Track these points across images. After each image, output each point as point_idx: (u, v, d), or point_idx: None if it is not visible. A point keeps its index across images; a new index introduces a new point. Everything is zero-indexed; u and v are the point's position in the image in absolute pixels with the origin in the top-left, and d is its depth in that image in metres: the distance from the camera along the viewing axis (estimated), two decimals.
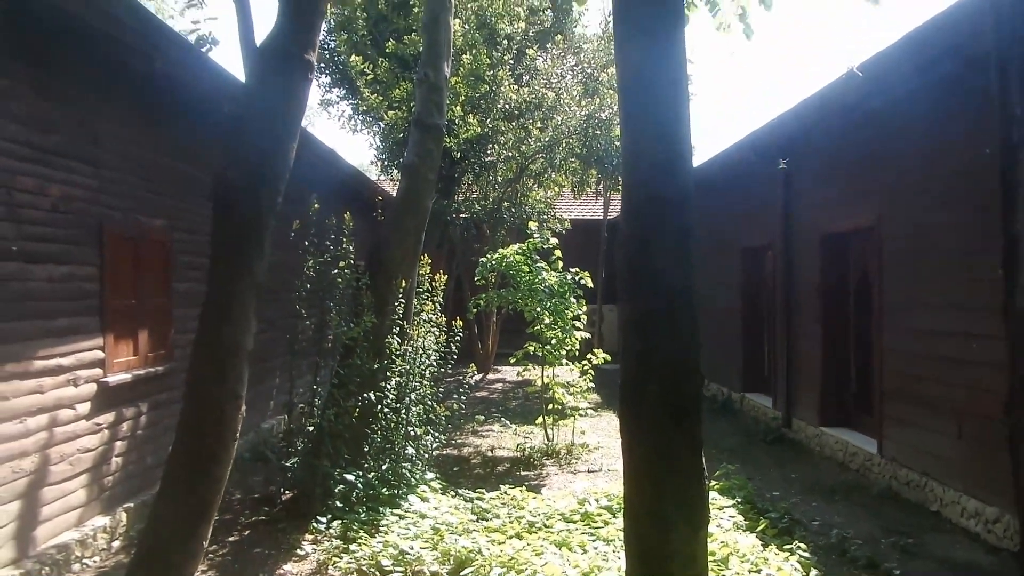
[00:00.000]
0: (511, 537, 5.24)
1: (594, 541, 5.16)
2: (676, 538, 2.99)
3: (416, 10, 11.75)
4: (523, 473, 7.65)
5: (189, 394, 3.87)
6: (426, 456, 6.57)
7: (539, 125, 12.97)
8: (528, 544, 5.06)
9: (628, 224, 3.18)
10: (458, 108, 11.77)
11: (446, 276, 7.69)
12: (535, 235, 8.89)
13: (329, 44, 14.47)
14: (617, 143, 11.40)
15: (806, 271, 8.89)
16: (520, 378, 10.39)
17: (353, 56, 12.55)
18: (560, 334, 8.34)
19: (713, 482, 6.30)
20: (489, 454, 8.43)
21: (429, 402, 6.70)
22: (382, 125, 12.93)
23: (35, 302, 4.48)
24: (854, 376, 8.20)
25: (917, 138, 6.53)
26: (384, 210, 6.99)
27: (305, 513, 5.66)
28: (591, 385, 8.89)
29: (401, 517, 5.62)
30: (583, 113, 12.62)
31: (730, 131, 52.75)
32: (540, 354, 8.49)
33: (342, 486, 5.74)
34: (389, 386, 6.16)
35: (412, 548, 4.95)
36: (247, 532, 5.57)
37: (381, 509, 5.69)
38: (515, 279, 8.60)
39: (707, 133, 39.39)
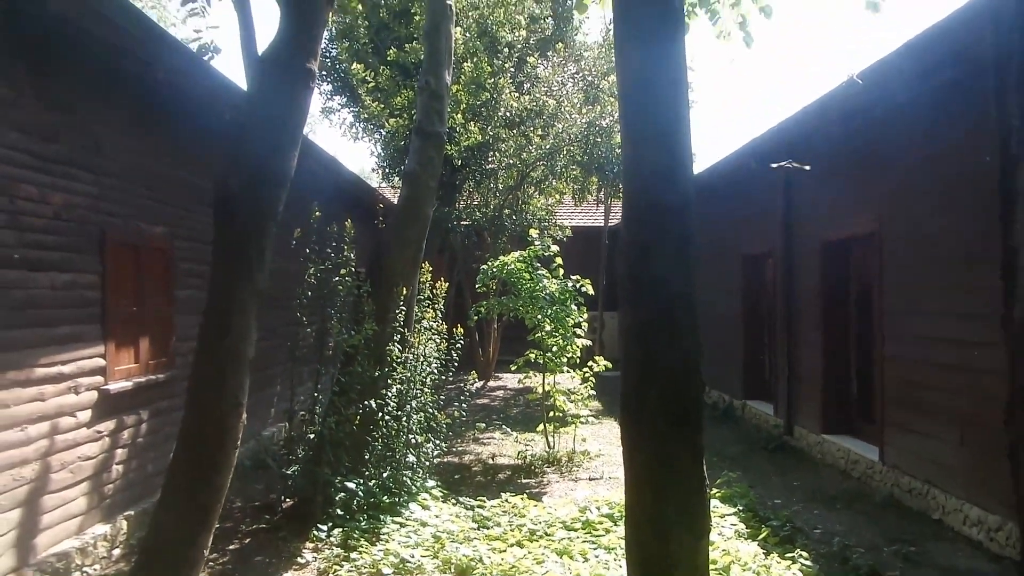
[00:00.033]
0: (512, 545, 5.23)
1: (595, 549, 5.15)
2: (677, 546, 2.98)
3: (417, 18, 11.79)
4: (524, 481, 7.64)
5: (190, 402, 3.87)
6: (427, 464, 6.56)
7: (540, 132, 13.00)
8: (529, 552, 5.05)
9: (629, 231, 3.19)
10: (459, 116, 11.80)
11: (447, 283, 7.69)
12: (536, 242, 8.90)
13: (331, 52, 14.51)
14: (618, 150, 11.41)
15: (807, 278, 8.89)
16: (521, 385, 10.40)
17: (355, 64, 12.59)
18: (561, 341, 8.34)
19: (715, 490, 6.29)
20: (490, 462, 8.42)
21: (430, 409, 6.69)
22: (383, 133, 12.95)
23: (37, 310, 4.48)
24: (855, 383, 8.19)
25: (917, 145, 6.54)
26: (385, 217, 7.00)
27: (306, 521, 5.65)
28: (592, 392, 8.88)
29: (402, 525, 5.61)
30: (584, 120, 12.65)
31: (731, 138, 52.86)
32: (541, 361, 8.49)
33: (343, 494, 5.73)
34: (390, 394, 6.16)
35: (413, 556, 4.94)
36: (248, 540, 5.56)
37: (382, 517, 5.69)
38: (516, 286, 8.60)
39: (708, 140, 39.52)
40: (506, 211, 13.65)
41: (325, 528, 5.50)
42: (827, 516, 6.33)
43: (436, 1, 7.20)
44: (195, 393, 3.87)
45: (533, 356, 8.52)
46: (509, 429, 9.62)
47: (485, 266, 8.94)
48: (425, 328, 6.88)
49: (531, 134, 12.86)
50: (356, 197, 11.67)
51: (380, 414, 6.02)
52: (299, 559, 5.15)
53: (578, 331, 8.51)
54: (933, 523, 6.06)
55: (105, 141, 5.18)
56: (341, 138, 40.27)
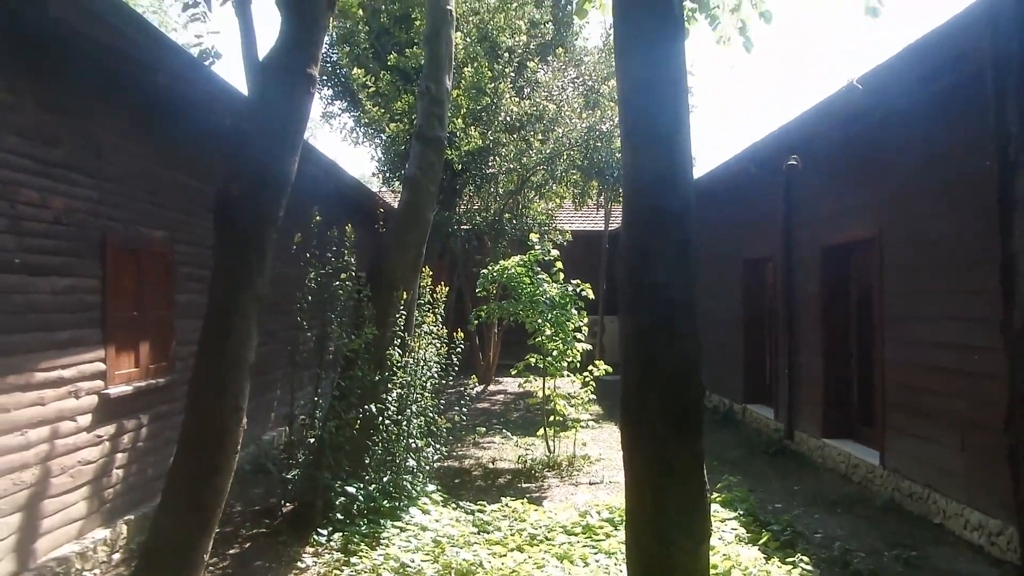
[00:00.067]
0: (512, 550, 5.22)
1: (596, 554, 5.15)
2: (678, 551, 2.98)
3: (418, 23, 11.82)
4: (524, 485, 7.63)
5: (190, 407, 3.87)
6: (427, 468, 6.56)
7: (540, 137, 13.02)
8: (529, 557, 5.05)
9: (629, 236, 3.19)
10: (459, 120, 11.82)
11: (447, 287, 7.70)
12: (536, 247, 8.91)
13: (331, 57, 14.55)
14: (618, 155, 11.42)
15: (807, 282, 8.89)
16: (521, 390, 10.39)
17: (355, 69, 12.62)
18: (561, 346, 8.34)
19: (715, 494, 6.29)
20: (490, 466, 8.41)
21: (430, 414, 6.69)
22: (384, 137, 12.97)
23: (38, 314, 4.49)
24: (856, 388, 8.18)
25: (918, 149, 6.54)
26: (385, 222, 7.01)
27: (306, 525, 5.65)
28: (592, 397, 8.88)
29: (402, 530, 5.60)
30: (584, 125, 12.67)
31: (731, 142, 52.94)
32: (541, 366, 8.49)
33: (343, 498, 5.73)
34: (390, 398, 6.16)
35: (413, 561, 4.94)
36: (248, 544, 5.56)
37: (382, 521, 5.68)
38: (516, 291, 8.61)
39: (708, 145, 39.55)
40: (506, 215, 13.66)
41: (325, 532, 5.50)
42: (828, 520, 6.32)
43: (436, 6, 7.22)
44: (195, 397, 3.88)
45: (533, 360, 8.52)
46: (509, 433, 9.62)
47: (485, 270, 8.95)
48: (425, 332, 6.88)
49: (531, 139, 12.88)
50: (356, 202, 11.68)
51: (380, 418, 6.02)
52: (299, 563, 5.15)
53: (578, 335, 8.52)
54: (934, 527, 6.05)
55: (106, 145, 5.19)
56: (342, 143, 40.37)
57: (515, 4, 12.57)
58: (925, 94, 6.17)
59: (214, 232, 4.00)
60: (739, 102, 55.17)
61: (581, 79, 13.92)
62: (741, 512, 6.00)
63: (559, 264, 8.86)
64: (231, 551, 5.41)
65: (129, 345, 5.54)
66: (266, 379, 7.91)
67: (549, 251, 8.93)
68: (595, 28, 37.42)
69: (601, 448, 9.19)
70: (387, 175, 14.09)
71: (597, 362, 8.82)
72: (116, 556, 5.22)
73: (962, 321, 5.82)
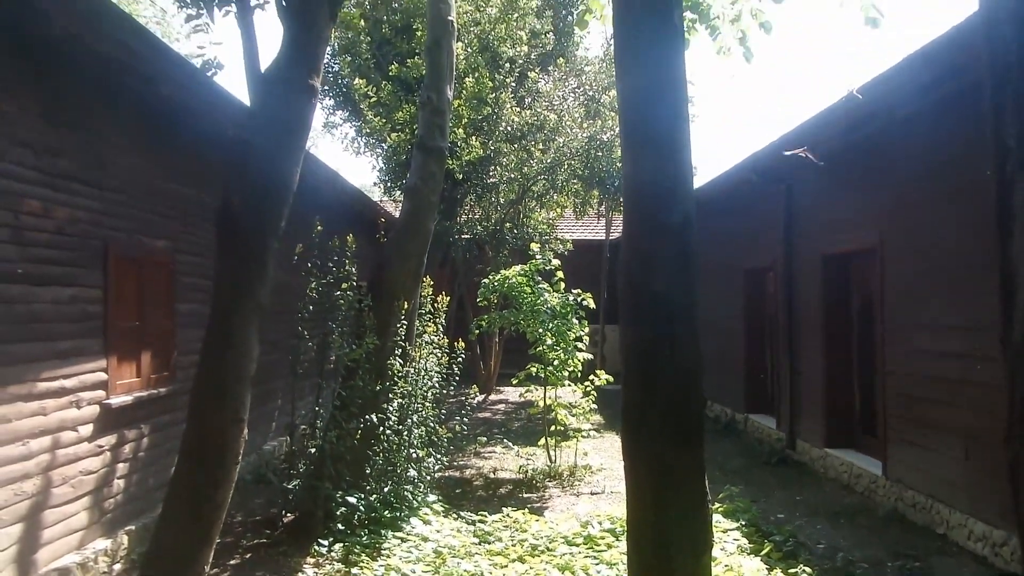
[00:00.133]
0: (513, 561, 5.21)
1: (597, 565, 5.13)
2: (679, 562, 2.97)
3: (419, 34, 11.87)
4: (526, 495, 7.61)
5: (191, 417, 3.88)
6: (428, 478, 6.55)
7: (541, 147, 13.05)
8: (531, 568, 5.03)
9: (630, 246, 3.20)
10: (461, 130, 11.85)
11: (448, 297, 7.71)
12: (537, 256, 8.92)
13: (333, 67, 14.59)
14: (619, 164, 11.45)
15: (808, 292, 8.89)
16: (522, 399, 10.39)
17: (357, 79, 12.66)
18: (562, 355, 8.34)
19: (717, 504, 6.28)
20: (491, 476, 8.39)
21: (431, 423, 6.69)
22: (385, 147, 13.00)
23: (40, 324, 4.49)
24: (858, 397, 8.17)
25: (918, 158, 6.55)
26: (387, 232, 7.02)
27: (307, 536, 5.63)
28: (594, 406, 8.87)
29: (403, 540, 5.59)
30: (585, 135, 12.71)
31: (732, 152, 53.04)
32: (542, 375, 8.48)
33: (344, 508, 5.72)
34: (391, 408, 6.16)
35: (414, 572, 4.93)
36: (248, 555, 5.54)
37: (383, 532, 5.67)
38: (517, 300, 8.61)
39: (709, 154, 39.64)
40: (507, 225, 13.68)
41: (326, 543, 5.49)
42: (830, 531, 6.30)
43: (437, 17, 7.26)
44: (197, 407, 3.88)
45: (534, 370, 8.51)
46: (510, 443, 9.60)
47: (486, 280, 8.95)
48: (426, 342, 6.88)
49: (532, 148, 12.91)
50: (358, 211, 11.70)
51: (381, 428, 6.01)
52: (300, 574, 5.13)
53: (579, 345, 8.52)
54: (937, 538, 6.03)
55: (109, 156, 5.21)
56: (343, 152, 40.53)
57: (516, 15, 12.62)
58: (926, 103, 6.19)
59: (216, 242, 4.01)
60: (739, 111, 55.33)
61: (582, 89, 13.97)
62: (743, 522, 5.98)
63: (560, 273, 8.87)
64: (232, 562, 5.40)
65: (130, 355, 5.55)
66: (267, 388, 7.91)
67: (550, 260, 8.94)
68: (596, 38, 37.62)
69: (602, 458, 9.17)
70: (388, 185, 14.12)
71: (598, 372, 8.81)
72: (117, 567, 5.20)
73: (964, 331, 5.81)
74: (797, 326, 9.25)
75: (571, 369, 8.42)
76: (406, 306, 6.45)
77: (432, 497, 6.51)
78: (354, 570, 5.07)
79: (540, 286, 8.63)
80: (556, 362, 8.35)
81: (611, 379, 8.73)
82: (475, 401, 13.42)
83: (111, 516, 5.28)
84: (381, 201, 16.39)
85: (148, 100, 5.41)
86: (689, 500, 3.01)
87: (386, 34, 13.37)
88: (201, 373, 3.89)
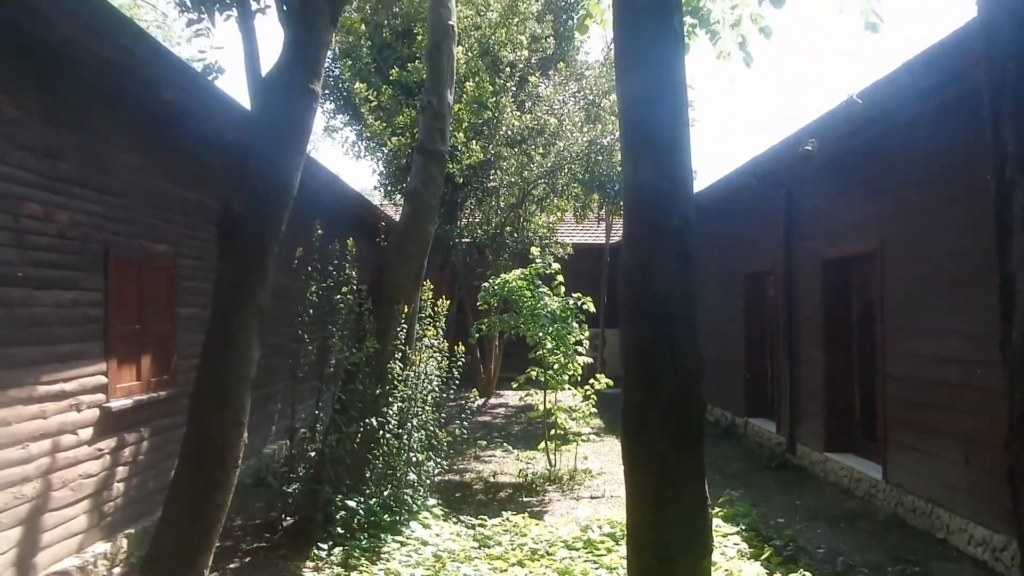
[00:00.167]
0: (513, 565, 5.20)
1: (597, 569, 5.12)
2: (679, 566, 2.97)
3: (420, 38, 11.89)
4: (525, 499, 7.61)
5: (191, 420, 3.88)
6: (428, 482, 6.55)
7: (541, 151, 13.06)
8: (530, 572, 5.03)
9: (629, 250, 3.20)
10: (461, 134, 11.87)
11: (448, 300, 7.71)
12: (537, 260, 8.92)
13: (334, 71, 14.62)
14: (619, 168, 11.46)
15: (808, 296, 8.89)
16: (522, 403, 10.37)
17: (357, 83, 12.69)
18: (562, 359, 8.34)
19: (717, 509, 6.27)
20: (491, 480, 8.39)
21: (431, 427, 6.68)
22: (386, 151, 13.02)
23: (40, 327, 4.49)
24: (858, 401, 8.17)
25: (918, 163, 6.56)
26: (387, 235, 7.03)
27: (306, 539, 5.63)
28: (593, 410, 8.87)
29: (403, 544, 5.59)
30: (585, 139, 12.72)
31: (732, 155, 53.06)
32: (542, 379, 8.48)
33: (343, 512, 5.71)
34: (391, 411, 6.15)
35: (414, 575, 4.92)
36: (248, 559, 5.54)
37: (383, 536, 5.67)
38: (517, 304, 8.61)
39: (709, 158, 39.68)
40: (507, 228, 13.70)
41: (325, 547, 5.48)
42: (830, 535, 6.30)
43: (438, 21, 7.27)
44: (197, 411, 3.88)
45: (534, 373, 8.52)
46: (510, 447, 9.59)
47: (487, 283, 8.96)
48: (426, 346, 6.88)
49: (532, 152, 12.93)
50: (358, 215, 11.71)
51: (381, 432, 6.01)
52: None
53: (579, 348, 8.52)
54: (938, 542, 6.02)
55: (109, 159, 5.22)
56: (343, 156, 40.56)
57: (516, 19, 12.65)
58: (926, 108, 6.20)
59: (216, 246, 4.02)
60: (740, 116, 55.39)
61: (582, 93, 14.00)
62: (743, 527, 5.98)
63: (560, 277, 8.88)
64: (231, 565, 5.39)
65: (131, 358, 5.55)
66: (267, 392, 7.91)
67: (550, 264, 8.95)
68: (596, 43, 37.64)
69: (602, 462, 9.16)
70: (389, 189, 14.14)
71: (598, 375, 8.81)
72: (116, 570, 5.20)
73: (964, 335, 5.82)
74: (797, 330, 9.25)
75: (571, 373, 8.42)
76: (406, 310, 6.46)
77: (432, 501, 6.50)
78: (353, 574, 5.06)
79: (540, 290, 8.63)
80: (556, 366, 8.35)
81: (611, 383, 8.73)
82: (475, 405, 13.42)
83: (111, 519, 5.28)
84: (381, 205, 16.40)
85: (149, 104, 5.42)
86: (689, 504, 3.01)
87: (387, 38, 13.40)
88: (201, 376, 3.90)
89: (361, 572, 5.07)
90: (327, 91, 14.85)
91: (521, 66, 12.92)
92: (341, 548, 5.45)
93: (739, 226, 11.38)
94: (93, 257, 5.02)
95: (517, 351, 12.62)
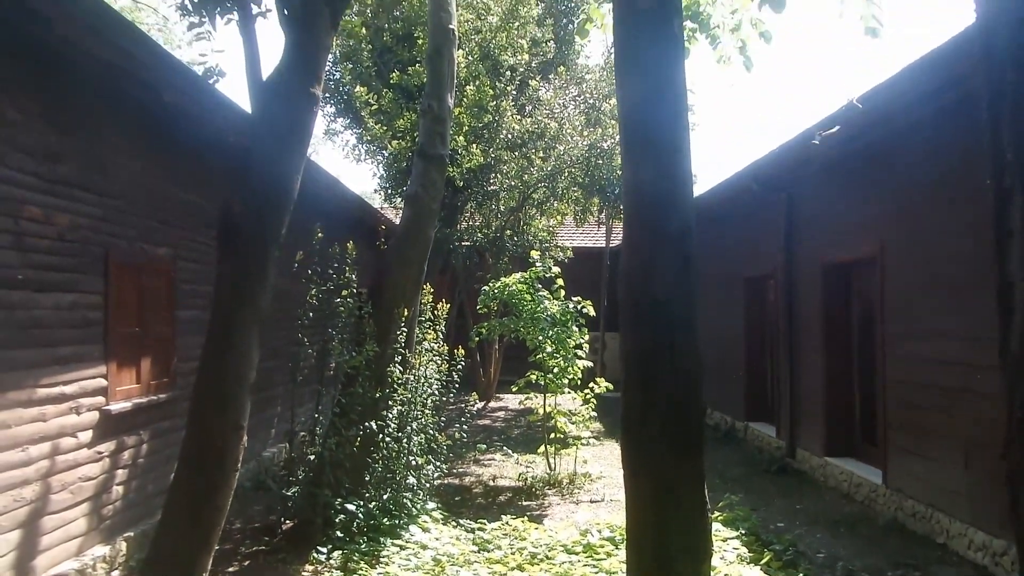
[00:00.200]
0: (513, 569, 5.20)
1: (597, 573, 5.12)
2: (679, 570, 2.97)
3: (420, 42, 11.91)
4: (525, 503, 7.60)
5: (191, 424, 3.88)
6: (427, 486, 6.54)
7: (542, 155, 13.08)
8: None
9: (629, 254, 3.21)
10: (461, 138, 11.88)
11: (448, 304, 7.71)
12: (537, 263, 8.93)
13: (334, 75, 14.63)
14: (619, 172, 11.45)
15: (808, 300, 8.89)
16: (522, 406, 10.37)
17: (358, 87, 12.70)
18: (562, 363, 8.34)
19: (716, 513, 6.26)
20: (491, 483, 8.38)
21: (431, 431, 6.68)
22: (386, 155, 13.03)
23: (40, 330, 4.49)
24: (858, 406, 8.16)
25: (919, 167, 6.57)
26: (387, 239, 7.03)
27: (305, 543, 5.62)
28: (593, 414, 8.86)
29: (402, 548, 5.58)
30: (585, 143, 12.74)
31: (732, 159, 53.11)
32: (542, 383, 8.47)
33: (343, 516, 5.71)
34: (391, 415, 6.15)
35: None
36: (247, 562, 5.53)
37: (382, 539, 5.66)
38: (517, 308, 8.61)
39: (709, 162, 39.67)
40: (508, 232, 13.70)
41: (325, 550, 5.47)
42: (830, 540, 6.29)
43: (439, 25, 7.28)
44: (196, 414, 3.88)
45: (534, 377, 8.51)
46: (510, 450, 9.58)
47: (487, 287, 8.96)
48: (426, 349, 6.88)
49: (533, 156, 12.94)
50: (358, 218, 11.72)
51: (381, 435, 6.01)
52: None
53: (579, 352, 8.52)
54: (938, 547, 6.01)
55: (110, 162, 5.22)
56: (344, 159, 40.59)
57: (517, 23, 12.66)
58: (925, 113, 6.20)
59: (217, 249, 4.02)
60: (740, 120, 55.44)
61: (582, 97, 14.01)
62: (743, 531, 5.97)
63: (560, 281, 8.88)
64: (230, 568, 5.39)
65: (130, 361, 5.55)
66: (267, 395, 7.90)
67: (550, 268, 8.95)
68: (596, 47, 37.72)
69: (602, 466, 9.16)
70: (389, 192, 14.14)
71: (598, 379, 8.81)
72: (115, 573, 5.19)
73: (964, 339, 5.81)
74: (797, 334, 9.25)
75: (571, 376, 8.42)
76: (406, 313, 6.46)
77: (431, 505, 6.50)
78: None
79: (540, 293, 8.63)
80: (556, 369, 8.35)
81: (611, 387, 8.73)
82: (475, 408, 13.41)
83: (110, 522, 5.27)
84: (382, 208, 16.41)
85: (150, 107, 5.43)
86: (689, 508, 3.01)
87: (387, 42, 13.42)
88: (201, 379, 3.90)
89: None
90: (328, 94, 14.86)
91: (521, 70, 12.94)
92: (340, 552, 5.45)
93: (739, 230, 11.39)
94: (93, 260, 5.02)
95: (517, 355, 12.62)
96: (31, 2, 3.92)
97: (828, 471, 8.18)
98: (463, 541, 5.86)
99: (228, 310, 3.89)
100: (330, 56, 10.24)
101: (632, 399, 3.11)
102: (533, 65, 13.50)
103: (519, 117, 12.93)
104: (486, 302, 8.94)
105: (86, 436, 4.97)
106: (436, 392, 6.79)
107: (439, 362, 6.93)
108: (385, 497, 6.02)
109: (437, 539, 5.84)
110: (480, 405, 14.23)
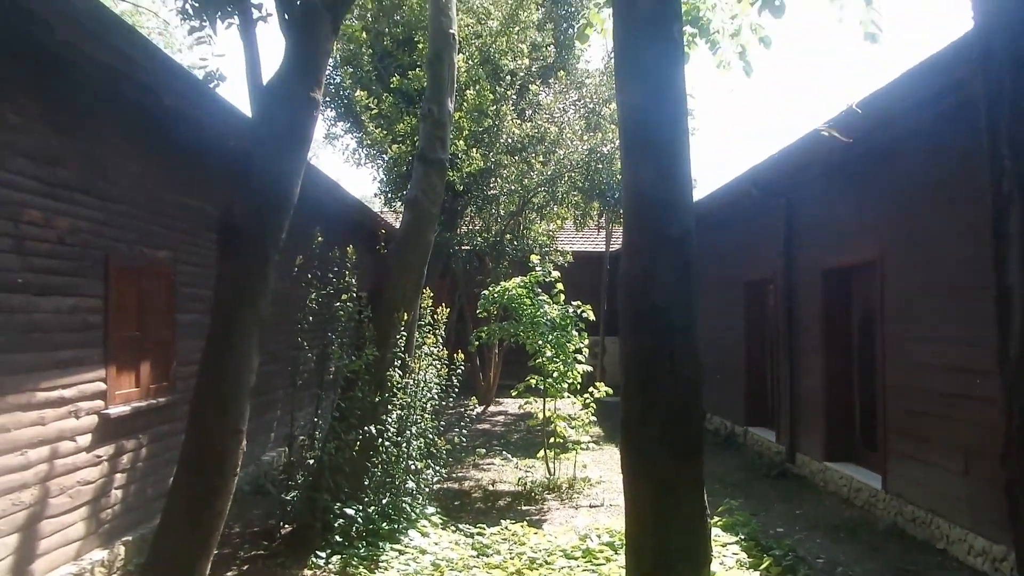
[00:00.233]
0: (512, 574, 5.19)
1: None
2: (678, 575, 2.96)
3: (421, 46, 11.93)
4: (524, 507, 7.59)
5: (191, 427, 3.87)
6: (427, 490, 6.53)
7: (541, 159, 13.09)
8: None
9: (629, 259, 3.21)
10: (461, 142, 11.90)
11: (448, 308, 7.71)
12: (537, 268, 8.93)
13: (335, 79, 14.65)
14: (619, 176, 11.46)
15: (808, 305, 8.89)
16: (522, 411, 10.35)
17: (358, 91, 12.71)
18: (562, 367, 8.33)
19: (716, 518, 6.25)
20: (490, 488, 8.37)
21: (430, 435, 6.67)
22: (386, 159, 13.04)
23: (40, 334, 4.49)
24: (858, 411, 8.16)
25: (919, 172, 6.57)
26: (387, 243, 7.03)
27: (305, 547, 5.61)
28: (593, 418, 8.85)
29: (401, 552, 5.57)
30: (585, 147, 12.75)
31: (732, 165, 53.16)
32: (542, 387, 8.47)
33: (342, 520, 5.70)
34: (390, 419, 6.15)
35: None
36: (246, 566, 5.52)
37: (381, 544, 5.65)
38: (517, 312, 8.61)
39: (709, 167, 39.75)
40: (507, 236, 13.71)
41: (324, 555, 5.47)
42: (830, 545, 6.28)
43: (439, 30, 7.30)
44: (196, 418, 3.88)
45: (534, 382, 8.51)
46: (509, 455, 9.57)
47: (486, 291, 8.96)
48: (426, 353, 6.88)
49: (533, 160, 12.96)
50: (358, 222, 11.72)
51: (380, 440, 6.00)
52: None
53: (579, 357, 8.51)
54: (937, 553, 6.00)
55: (110, 166, 5.23)
56: (344, 163, 40.63)
57: (517, 28, 12.69)
58: (925, 118, 6.21)
59: (217, 252, 4.02)
60: (739, 125, 55.51)
61: (582, 101, 14.03)
62: (742, 536, 5.96)
63: (560, 285, 8.88)
64: (229, 573, 5.37)
65: (130, 365, 5.55)
66: (266, 399, 7.90)
67: (550, 272, 8.95)
68: (596, 51, 37.79)
69: (602, 470, 9.14)
70: (389, 196, 14.16)
71: (598, 384, 8.80)
72: None
73: (964, 345, 5.81)
74: (797, 339, 9.25)
75: (570, 381, 8.41)
76: (406, 317, 6.45)
77: (430, 509, 6.48)
78: None
79: (540, 298, 8.63)
80: (555, 374, 8.34)
81: (611, 391, 8.72)
82: (474, 413, 13.38)
83: (108, 526, 5.26)
84: (382, 212, 16.42)
85: (150, 110, 5.43)
86: (688, 513, 3.00)
87: (388, 46, 13.44)
88: (201, 383, 3.89)
89: None
90: (328, 98, 14.87)
91: (522, 74, 12.96)
92: (339, 556, 5.43)
93: (739, 235, 11.39)
94: (93, 263, 5.02)
95: (516, 359, 12.62)
96: (31, 4, 3.93)
97: (828, 476, 8.17)
98: (462, 546, 5.85)
99: (228, 314, 3.89)
100: (330, 60, 10.24)
101: (632, 403, 3.11)
102: (533, 69, 13.53)
103: (519, 121, 12.95)
104: (486, 306, 8.94)
105: (85, 440, 4.97)
106: (436, 396, 6.78)
107: (439, 366, 6.93)
108: (384, 501, 6.02)
109: (436, 544, 5.83)
110: (480, 409, 14.22)
